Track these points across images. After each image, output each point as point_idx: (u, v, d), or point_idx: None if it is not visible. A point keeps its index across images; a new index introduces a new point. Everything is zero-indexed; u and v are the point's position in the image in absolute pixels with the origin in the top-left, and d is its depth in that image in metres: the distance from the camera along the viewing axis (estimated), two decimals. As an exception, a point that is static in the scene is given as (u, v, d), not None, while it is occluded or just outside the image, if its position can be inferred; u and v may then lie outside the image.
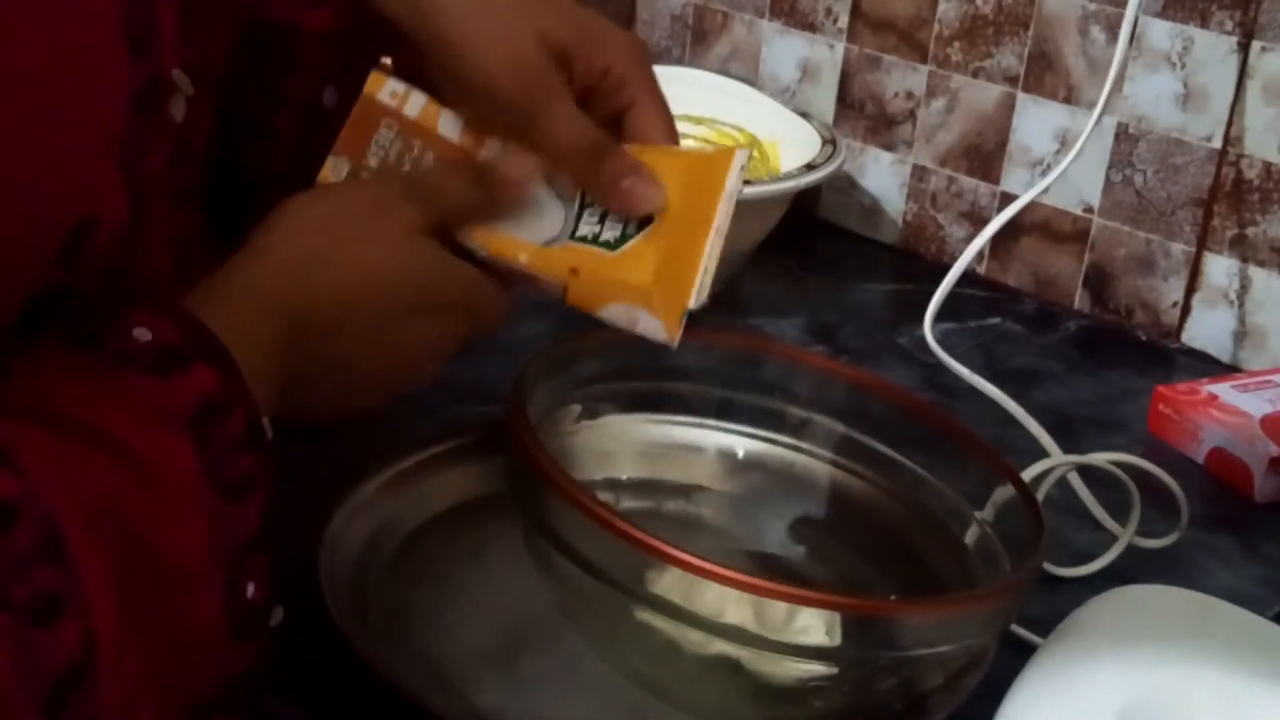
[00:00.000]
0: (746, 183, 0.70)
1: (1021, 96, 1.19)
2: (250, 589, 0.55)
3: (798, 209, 1.19)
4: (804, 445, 0.82)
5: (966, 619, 0.67)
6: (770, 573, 0.73)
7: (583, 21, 0.71)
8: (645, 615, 0.65)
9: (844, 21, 1.26)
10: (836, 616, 0.64)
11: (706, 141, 1.20)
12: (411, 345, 0.66)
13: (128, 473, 0.51)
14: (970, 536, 0.76)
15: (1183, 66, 1.10)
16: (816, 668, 0.65)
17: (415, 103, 0.71)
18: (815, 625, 0.64)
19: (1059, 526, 0.86)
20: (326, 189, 0.69)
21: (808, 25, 1.29)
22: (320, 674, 0.67)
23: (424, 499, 0.80)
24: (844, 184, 1.29)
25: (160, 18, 0.58)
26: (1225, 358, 1.13)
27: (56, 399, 0.52)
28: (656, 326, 0.67)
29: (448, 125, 0.72)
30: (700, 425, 0.82)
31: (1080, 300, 1.19)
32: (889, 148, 1.27)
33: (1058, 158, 1.16)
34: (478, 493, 0.81)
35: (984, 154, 1.22)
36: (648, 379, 0.71)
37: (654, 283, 0.68)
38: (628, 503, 0.81)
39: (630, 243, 0.69)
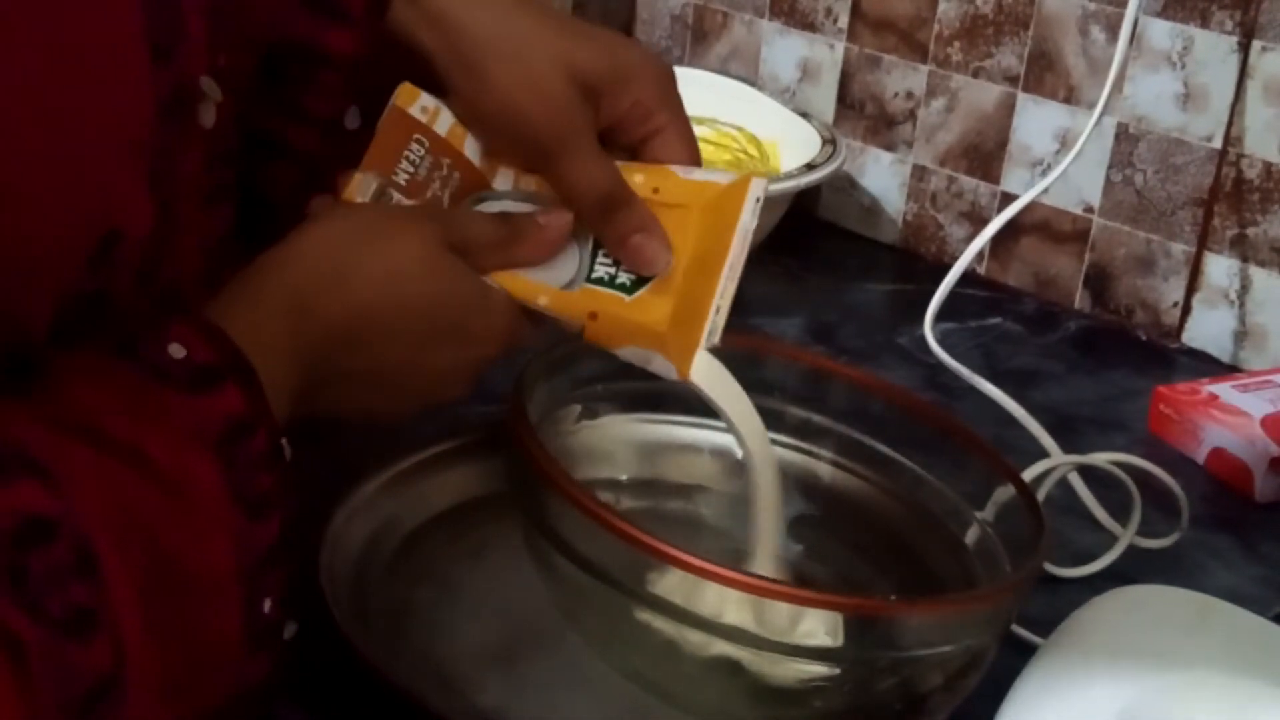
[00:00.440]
0: None
1: (1022, 96, 1.19)
2: (267, 604, 0.56)
3: (798, 209, 1.19)
4: (804, 445, 0.82)
5: (966, 619, 0.67)
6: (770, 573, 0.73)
7: (612, 52, 0.70)
8: (645, 615, 0.65)
9: (844, 21, 1.26)
10: (837, 617, 0.64)
11: (706, 142, 1.20)
12: (441, 366, 0.66)
13: (158, 491, 0.52)
14: (970, 536, 0.76)
15: (1183, 66, 1.10)
16: (816, 668, 0.65)
17: (445, 120, 0.71)
18: (815, 626, 0.64)
19: (1059, 526, 0.86)
20: (354, 206, 0.69)
21: (808, 25, 1.29)
22: (320, 674, 0.67)
23: (424, 499, 0.80)
24: (844, 184, 1.29)
25: (188, 23, 0.58)
26: (1225, 358, 1.13)
27: (94, 414, 0.52)
28: (669, 369, 0.68)
29: (471, 148, 0.71)
30: (700, 425, 0.82)
31: (1080, 300, 1.19)
32: (889, 148, 1.27)
33: (1058, 158, 1.16)
34: (478, 493, 0.81)
35: (984, 154, 1.22)
36: (648, 379, 0.71)
37: (669, 328, 0.68)
38: (628, 503, 0.81)
39: (646, 287, 0.69)
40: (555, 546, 0.66)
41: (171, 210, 0.57)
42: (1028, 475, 0.84)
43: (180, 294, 0.59)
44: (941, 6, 1.21)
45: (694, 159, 0.72)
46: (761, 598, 0.63)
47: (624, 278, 0.70)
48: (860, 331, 1.13)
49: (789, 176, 1.13)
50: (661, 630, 0.65)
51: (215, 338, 0.56)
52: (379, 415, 0.67)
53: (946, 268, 1.06)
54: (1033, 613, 0.75)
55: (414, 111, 0.70)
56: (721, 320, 0.69)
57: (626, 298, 0.69)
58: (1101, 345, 1.15)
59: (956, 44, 1.21)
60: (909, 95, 1.25)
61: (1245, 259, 1.11)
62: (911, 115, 1.25)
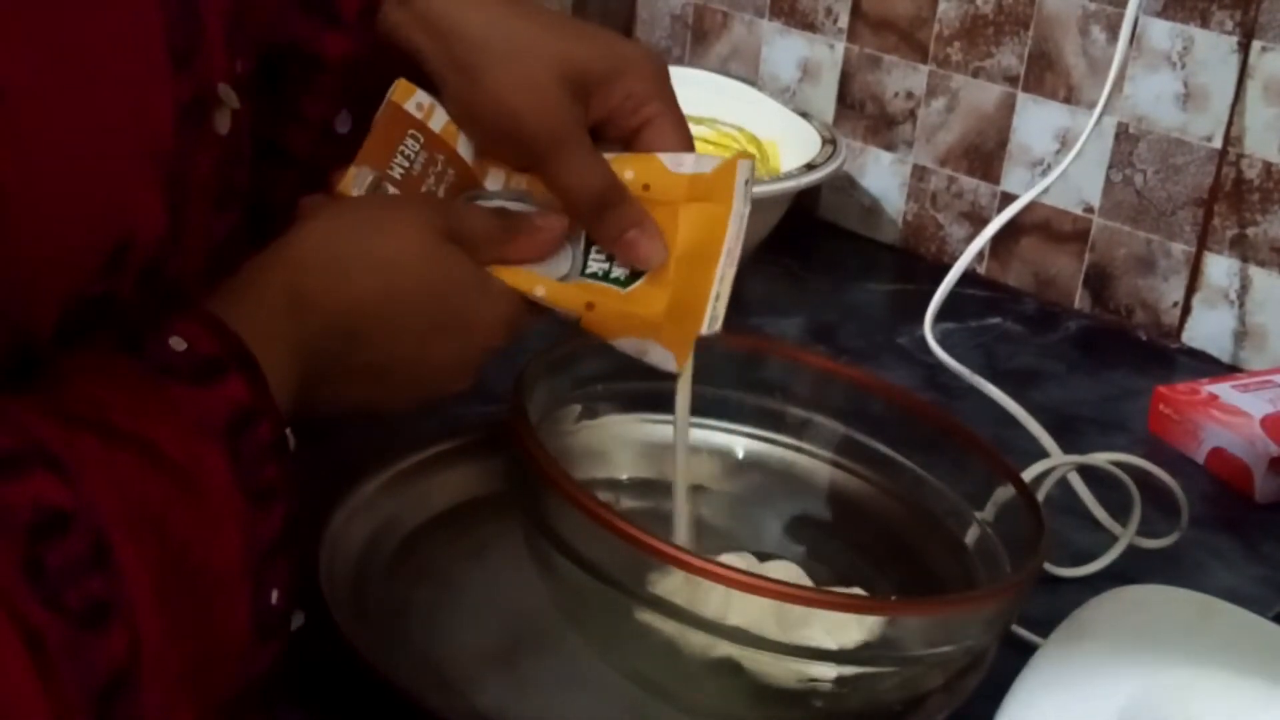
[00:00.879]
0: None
1: (1022, 96, 1.19)
2: (274, 594, 0.56)
3: (798, 209, 1.19)
4: (804, 445, 0.82)
5: (966, 619, 0.67)
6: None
7: (603, 48, 0.70)
8: (645, 615, 0.65)
9: (844, 21, 1.26)
10: (867, 618, 0.65)
11: (706, 142, 1.20)
12: (444, 357, 0.66)
13: (169, 482, 0.52)
14: (970, 536, 0.76)
15: (1183, 66, 1.10)
16: (817, 668, 0.65)
17: (439, 117, 0.71)
18: (816, 626, 0.64)
19: (1059, 527, 0.86)
20: (351, 199, 0.69)
21: (808, 25, 1.29)
22: (320, 674, 0.67)
23: (424, 499, 0.80)
24: (844, 184, 1.29)
25: (207, 28, 0.58)
26: (1225, 358, 1.13)
27: (102, 408, 0.52)
28: (667, 358, 0.69)
29: (464, 147, 0.71)
30: (700, 425, 0.82)
31: (1080, 300, 1.19)
32: (889, 147, 1.27)
33: (1058, 158, 1.16)
34: (478, 493, 0.81)
35: (984, 154, 1.22)
36: (648, 379, 0.71)
37: (665, 317, 0.68)
38: (628, 503, 0.80)
39: (641, 280, 0.70)
40: (555, 546, 0.66)
41: (181, 214, 0.57)
42: (1028, 475, 0.84)
43: (182, 293, 0.59)
44: (941, 6, 1.21)
45: (686, 147, 0.72)
46: (761, 598, 0.63)
47: (618, 272, 0.70)
48: (860, 331, 1.13)
49: (789, 176, 1.13)
50: (661, 630, 0.65)
51: (217, 329, 0.56)
52: (382, 408, 0.67)
53: (946, 268, 1.06)
54: (1033, 613, 0.75)
55: (409, 107, 0.70)
56: (722, 307, 0.69)
57: (622, 290, 0.70)
58: (1101, 345, 1.15)
59: (956, 44, 1.21)
60: (909, 95, 1.25)
61: (1245, 259, 1.11)
62: (911, 115, 1.25)
